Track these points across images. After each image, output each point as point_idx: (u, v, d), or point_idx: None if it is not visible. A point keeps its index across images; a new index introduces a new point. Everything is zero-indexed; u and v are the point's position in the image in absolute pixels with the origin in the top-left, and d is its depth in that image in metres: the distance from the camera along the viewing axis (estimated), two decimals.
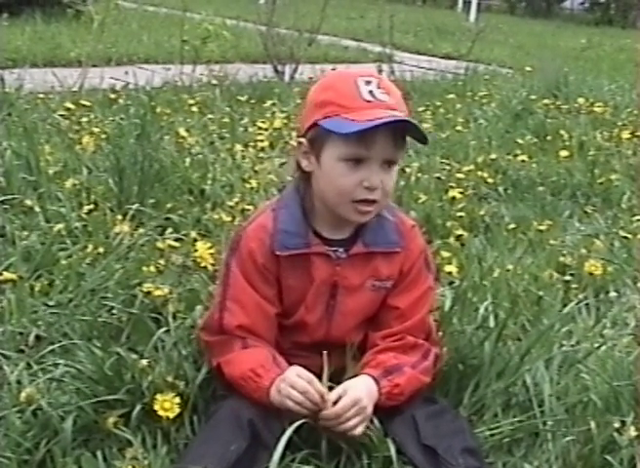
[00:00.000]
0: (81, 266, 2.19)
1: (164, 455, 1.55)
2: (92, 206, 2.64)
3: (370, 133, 1.49)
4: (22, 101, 4.09)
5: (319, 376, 1.52)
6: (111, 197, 2.82)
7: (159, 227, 2.60)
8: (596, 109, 5.48)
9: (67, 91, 4.64)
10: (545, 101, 5.57)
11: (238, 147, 3.65)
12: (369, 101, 1.51)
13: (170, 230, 2.54)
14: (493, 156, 4.06)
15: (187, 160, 3.27)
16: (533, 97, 5.72)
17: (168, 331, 1.83)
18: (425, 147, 3.88)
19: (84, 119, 3.93)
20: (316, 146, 1.56)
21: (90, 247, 2.30)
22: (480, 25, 9.87)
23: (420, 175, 3.55)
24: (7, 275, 2.01)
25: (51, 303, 2.01)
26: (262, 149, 3.73)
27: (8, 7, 7.27)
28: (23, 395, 1.58)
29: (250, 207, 2.74)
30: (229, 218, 2.65)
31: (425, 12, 17.66)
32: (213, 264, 2.10)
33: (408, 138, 1.57)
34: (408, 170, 3.49)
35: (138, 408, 1.61)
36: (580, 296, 2.42)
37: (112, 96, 4.68)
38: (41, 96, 4.42)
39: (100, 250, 2.29)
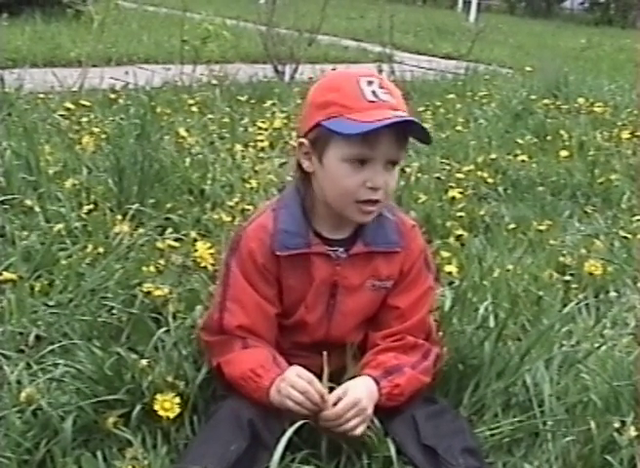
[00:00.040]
0: (81, 266, 2.19)
1: (164, 455, 1.55)
2: (92, 206, 2.64)
3: (374, 133, 1.49)
4: (22, 101, 4.09)
5: (319, 376, 1.52)
6: (111, 197, 2.82)
7: (159, 227, 2.60)
8: (596, 109, 5.48)
9: (67, 91, 4.64)
10: (545, 101, 5.57)
11: (238, 147, 3.65)
12: (372, 102, 1.51)
13: (170, 230, 2.54)
14: (493, 156, 4.06)
15: (187, 160, 3.27)
16: (533, 97, 5.72)
17: (168, 331, 1.83)
18: (425, 147, 3.88)
19: (84, 119, 3.93)
20: (318, 147, 1.56)
21: (90, 247, 2.30)
22: (480, 25, 9.87)
23: (419, 175, 3.55)
24: (7, 275, 2.01)
25: (51, 303, 2.01)
26: (262, 149, 3.73)
27: (8, 7, 7.27)
28: (23, 395, 1.58)
29: (250, 207, 2.74)
30: (229, 218, 2.65)
31: (425, 12, 17.66)
32: (213, 264, 2.10)
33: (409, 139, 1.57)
34: (408, 170, 3.49)
35: (138, 408, 1.61)
36: (580, 296, 2.43)
37: (112, 96, 4.68)
38: (41, 96, 4.42)
39: (100, 250, 2.29)
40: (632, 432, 1.63)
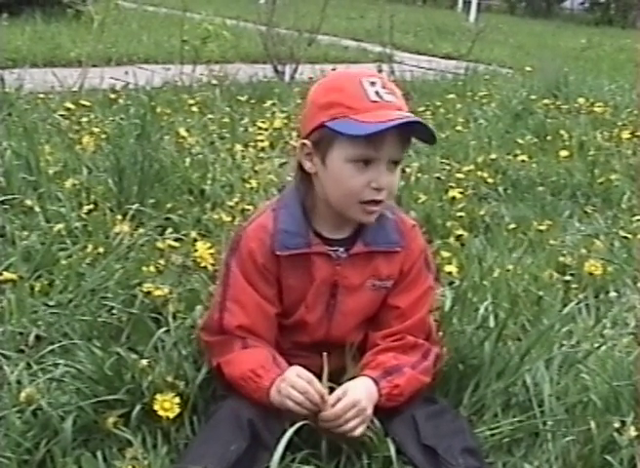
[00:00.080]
0: (81, 266, 2.19)
1: (164, 455, 1.55)
2: (92, 206, 2.64)
3: (380, 134, 1.48)
4: (22, 101, 4.09)
5: (319, 376, 1.52)
6: (111, 197, 2.82)
7: (159, 227, 2.60)
8: (596, 109, 5.48)
9: (67, 91, 4.64)
10: (545, 101, 5.57)
11: (238, 147, 3.65)
12: (376, 102, 1.51)
13: (170, 230, 2.54)
14: (493, 156, 4.06)
15: (187, 160, 3.27)
16: (533, 97, 5.72)
17: (168, 331, 1.83)
18: (425, 147, 3.88)
19: (84, 119, 3.93)
20: (322, 148, 1.56)
21: (90, 247, 2.30)
22: (480, 25, 9.88)
23: (419, 175, 3.55)
24: (7, 275, 2.01)
25: (51, 303, 2.01)
26: (262, 149, 3.73)
27: (8, 7, 7.27)
28: (23, 395, 1.58)
29: (250, 207, 2.74)
30: (229, 218, 2.65)
31: (425, 12, 17.66)
32: (213, 264, 2.10)
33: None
34: (408, 170, 3.49)
35: (138, 408, 1.61)
36: (580, 296, 2.42)
37: (112, 96, 4.68)
38: (41, 96, 4.42)
39: (100, 250, 2.29)
40: (632, 432, 1.63)
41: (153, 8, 11.41)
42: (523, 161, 4.00)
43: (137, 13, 10.37)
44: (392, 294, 1.69)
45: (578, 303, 2.32)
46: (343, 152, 1.53)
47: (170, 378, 1.67)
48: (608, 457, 1.61)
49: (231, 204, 2.82)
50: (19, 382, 1.65)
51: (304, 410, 1.49)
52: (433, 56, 10.02)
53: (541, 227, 3.02)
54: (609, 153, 4.32)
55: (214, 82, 5.58)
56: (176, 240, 2.41)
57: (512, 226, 3.05)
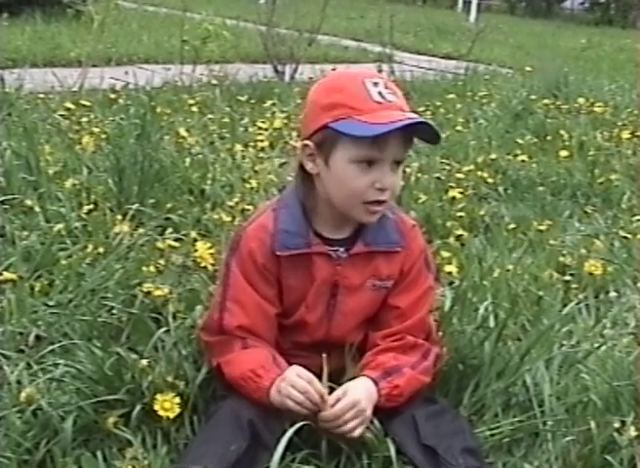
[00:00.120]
0: (81, 266, 2.19)
1: (164, 455, 1.55)
2: (92, 206, 2.64)
3: (386, 135, 1.48)
4: (22, 101, 4.09)
5: (319, 377, 1.52)
6: (111, 197, 2.82)
7: (159, 227, 2.60)
8: (596, 109, 5.48)
9: (67, 91, 4.64)
10: (545, 101, 5.57)
11: (238, 147, 3.65)
12: (379, 103, 1.51)
13: (170, 230, 2.54)
14: (493, 156, 4.06)
15: (187, 160, 3.27)
16: (533, 97, 5.72)
17: (168, 331, 1.83)
18: (425, 147, 3.88)
19: (84, 119, 3.93)
20: (325, 149, 1.55)
21: (90, 247, 2.30)
22: (480, 25, 9.88)
23: (419, 175, 3.55)
24: (7, 275, 2.01)
25: (51, 303, 2.01)
26: (262, 149, 3.73)
27: (8, 7, 7.26)
28: (23, 395, 1.58)
29: (250, 207, 2.74)
30: (229, 218, 2.65)
31: (425, 12, 17.66)
32: (213, 264, 2.10)
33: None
34: (408, 170, 3.49)
35: (138, 408, 1.61)
36: (580, 296, 2.43)
37: (112, 96, 4.68)
38: (41, 96, 4.42)
39: (100, 250, 2.29)
40: (632, 432, 1.63)
41: (153, 8, 11.41)
42: (523, 161, 4.00)
43: (137, 13, 10.37)
44: (392, 294, 1.69)
45: (578, 303, 2.32)
46: (347, 153, 1.53)
47: (170, 378, 1.67)
48: (608, 457, 1.61)
49: (231, 204, 2.82)
50: (19, 382, 1.65)
51: (304, 410, 1.49)
52: (433, 56, 10.02)
53: (541, 227, 3.02)
54: (609, 153, 4.32)
55: (214, 82, 5.59)
56: (176, 240, 2.41)
57: (512, 226, 3.05)
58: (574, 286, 2.48)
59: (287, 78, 6.41)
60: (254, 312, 1.62)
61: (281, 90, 5.72)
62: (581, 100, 5.72)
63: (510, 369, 1.79)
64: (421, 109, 5.20)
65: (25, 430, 1.53)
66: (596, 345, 2.00)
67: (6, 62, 5.18)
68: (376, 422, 1.55)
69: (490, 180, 3.68)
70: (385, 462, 1.53)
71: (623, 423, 1.66)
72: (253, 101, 5.17)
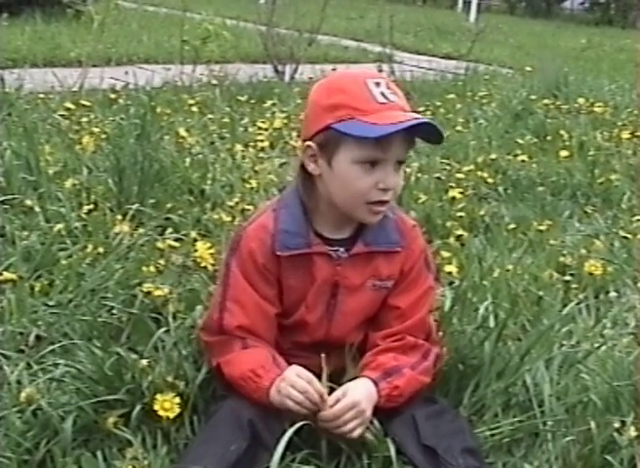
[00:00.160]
0: (81, 266, 2.19)
1: (164, 455, 1.55)
2: (92, 206, 2.64)
3: (390, 136, 1.48)
4: (22, 101, 4.09)
5: (319, 377, 1.52)
6: (111, 197, 2.82)
7: (159, 227, 2.60)
8: (596, 109, 5.48)
9: (67, 91, 4.64)
10: (545, 101, 5.57)
11: (238, 147, 3.65)
12: (382, 103, 1.51)
13: (170, 230, 2.54)
14: (493, 156, 4.06)
15: (187, 160, 3.27)
16: (533, 97, 5.72)
17: (168, 331, 1.83)
18: (426, 147, 3.88)
19: (84, 119, 3.93)
20: (328, 150, 1.55)
21: (90, 247, 2.30)
22: (480, 25, 9.87)
23: (419, 175, 3.55)
24: (7, 275, 2.01)
25: (51, 303, 2.01)
26: (262, 149, 3.73)
27: (8, 7, 7.27)
28: (23, 395, 1.58)
29: (250, 207, 2.74)
30: (229, 218, 2.65)
31: (425, 12, 17.66)
32: (213, 264, 2.10)
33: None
34: (408, 170, 3.49)
35: (138, 408, 1.61)
36: (580, 296, 2.43)
37: (112, 96, 4.68)
38: (41, 96, 4.42)
39: (100, 250, 2.29)
40: (632, 432, 1.63)
41: (153, 8, 11.40)
42: (523, 161, 4.00)
43: (137, 13, 10.37)
44: (392, 295, 1.69)
45: (578, 303, 2.32)
46: (351, 154, 1.53)
47: (170, 378, 1.67)
48: (608, 457, 1.61)
49: (231, 204, 2.82)
50: (19, 382, 1.65)
51: (304, 410, 1.49)
52: (433, 56, 10.01)
53: (541, 227, 3.02)
54: (609, 153, 4.32)
55: (214, 82, 5.59)
56: (176, 240, 2.41)
57: (512, 226, 3.05)
58: (574, 286, 2.48)
59: (287, 78, 6.41)
60: (254, 312, 1.62)
61: (281, 90, 5.72)
62: (581, 100, 5.72)
63: (510, 369, 1.79)
64: (421, 109, 5.20)
65: (25, 430, 1.53)
66: (596, 345, 2.00)
67: (6, 62, 5.18)
68: (376, 422, 1.55)
69: (490, 180, 3.68)
70: (385, 462, 1.53)
71: (623, 423, 1.66)
72: (253, 101, 5.17)
